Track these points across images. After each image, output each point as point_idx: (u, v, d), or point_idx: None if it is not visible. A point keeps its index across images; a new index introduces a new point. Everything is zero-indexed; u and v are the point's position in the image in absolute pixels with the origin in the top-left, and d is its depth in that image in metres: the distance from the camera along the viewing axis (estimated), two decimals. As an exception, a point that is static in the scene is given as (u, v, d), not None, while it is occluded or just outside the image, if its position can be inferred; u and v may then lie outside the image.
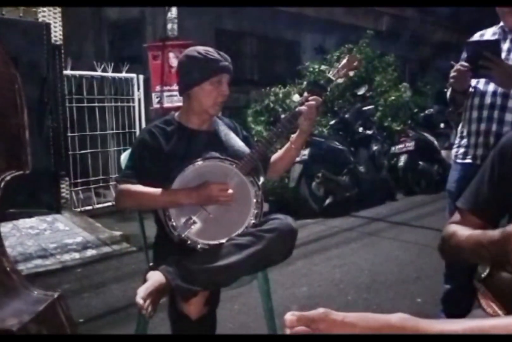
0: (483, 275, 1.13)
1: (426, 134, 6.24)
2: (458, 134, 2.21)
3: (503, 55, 2.02)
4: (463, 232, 1.22)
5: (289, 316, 0.84)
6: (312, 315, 0.84)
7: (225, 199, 1.74)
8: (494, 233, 1.07)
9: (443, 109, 6.55)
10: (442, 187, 5.67)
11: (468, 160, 2.13)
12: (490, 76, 1.93)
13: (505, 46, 2.05)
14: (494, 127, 2.03)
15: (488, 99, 2.04)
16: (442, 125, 6.62)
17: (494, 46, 1.92)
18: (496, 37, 2.10)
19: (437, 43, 10.07)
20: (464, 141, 2.15)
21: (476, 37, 2.21)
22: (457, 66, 2.07)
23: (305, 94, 1.95)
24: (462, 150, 2.16)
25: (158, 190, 1.74)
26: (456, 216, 1.33)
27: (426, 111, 6.77)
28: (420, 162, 6.06)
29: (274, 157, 2.00)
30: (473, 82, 2.10)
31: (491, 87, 2.03)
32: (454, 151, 2.22)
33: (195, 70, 1.81)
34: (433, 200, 5.42)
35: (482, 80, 2.07)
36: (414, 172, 6.00)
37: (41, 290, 1.09)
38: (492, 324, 0.78)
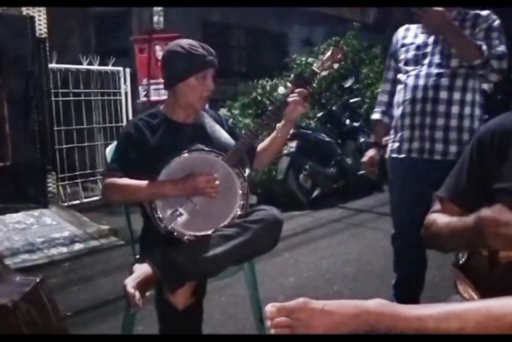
0: (461, 261, 1.15)
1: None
2: (392, 129, 2.22)
3: (429, 49, 2.08)
4: (442, 219, 1.24)
5: (270, 308, 0.87)
6: (292, 306, 0.86)
7: (211, 190, 1.74)
8: (469, 219, 1.09)
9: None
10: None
11: (403, 155, 2.14)
12: (422, 14, 1.98)
13: (429, 39, 2.10)
14: (428, 120, 2.06)
15: (420, 93, 2.06)
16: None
17: None
18: (421, 31, 2.15)
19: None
20: (399, 135, 2.16)
21: (402, 30, 2.24)
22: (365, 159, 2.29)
23: (290, 86, 1.97)
24: (396, 144, 2.17)
25: (143, 182, 1.75)
26: (437, 205, 1.35)
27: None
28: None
29: (260, 147, 2.01)
30: (403, 77, 2.14)
31: (422, 81, 2.06)
32: (389, 146, 2.23)
33: (179, 66, 1.80)
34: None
35: (412, 76, 2.10)
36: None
37: (23, 275, 1.17)
38: (464, 307, 0.81)
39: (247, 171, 1.89)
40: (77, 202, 4.96)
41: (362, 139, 5.69)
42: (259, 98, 5.71)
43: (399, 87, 2.17)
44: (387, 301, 0.85)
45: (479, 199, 1.29)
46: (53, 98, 4.77)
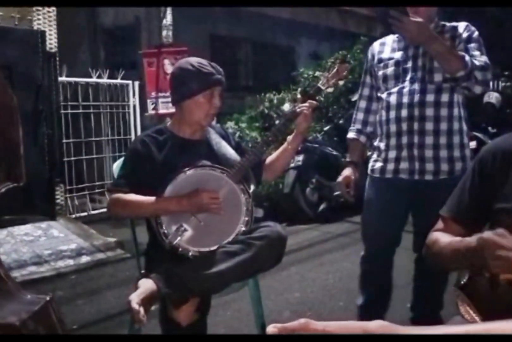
0: (462, 282, 1.15)
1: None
2: (375, 148, 2.13)
3: (409, 64, 1.99)
4: (444, 239, 1.25)
5: (271, 329, 0.87)
6: (293, 327, 0.86)
7: (215, 206, 1.76)
8: (471, 240, 1.10)
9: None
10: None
11: (389, 175, 2.05)
12: (402, 27, 1.85)
13: (409, 54, 2.02)
14: (416, 139, 1.97)
15: (405, 112, 1.97)
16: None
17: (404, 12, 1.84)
18: (398, 45, 2.06)
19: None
20: (383, 155, 2.07)
21: (376, 45, 2.17)
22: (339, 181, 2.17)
23: (295, 103, 2.00)
24: (380, 164, 2.08)
25: (149, 198, 1.76)
26: (440, 224, 1.36)
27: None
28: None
29: (270, 158, 2.03)
30: (383, 95, 2.05)
31: (406, 98, 1.97)
32: (370, 165, 2.14)
33: (188, 83, 1.83)
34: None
35: (394, 94, 2.01)
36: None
37: (33, 293, 1.18)
38: (465, 330, 0.81)
39: (252, 187, 1.90)
40: (85, 213, 4.99)
41: (369, 153, 5.68)
42: (266, 111, 5.74)
43: (380, 105, 2.09)
44: (388, 323, 0.86)
45: (481, 218, 1.30)
46: (62, 111, 4.83)
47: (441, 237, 1.27)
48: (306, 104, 1.91)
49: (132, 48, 6.19)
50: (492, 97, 6.81)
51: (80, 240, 4.13)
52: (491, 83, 7.69)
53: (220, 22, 7.28)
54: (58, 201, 4.73)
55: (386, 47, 2.11)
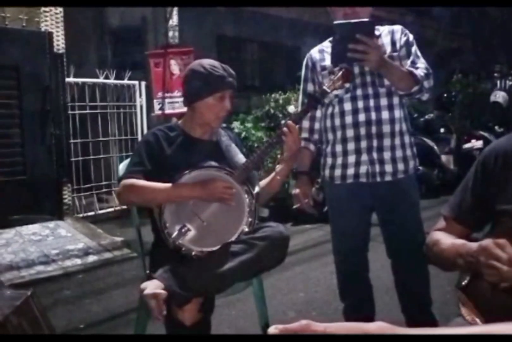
0: (463, 283, 1.16)
1: (426, 139, 6.27)
2: (329, 155, 2.09)
3: (356, 69, 1.98)
4: (445, 240, 1.26)
5: (272, 330, 0.89)
6: (294, 328, 0.88)
7: (227, 197, 1.78)
8: (472, 246, 1.11)
9: (443, 114, 6.59)
10: (442, 192, 5.64)
11: (350, 180, 2.04)
12: (361, 59, 1.80)
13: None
14: (375, 142, 1.98)
15: (362, 116, 1.97)
16: (442, 130, 6.66)
17: (367, 27, 1.81)
18: (329, 49, 2.01)
19: (435, 49, 10.11)
20: (340, 161, 2.05)
21: (315, 52, 2.15)
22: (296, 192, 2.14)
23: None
24: (338, 170, 2.06)
25: (162, 184, 1.78)
26: (441, 223, 1.37)
27: (426, 116, 6.80)
28: (420, 167, 6.06)
29: (260, 185, 2.00)
30: (334, 101, 2.02)
31: (361, 103, 1.98)
32: (327, 172, 2.10)
33: (199, 85, 1.86)
34: (433, 205, 5.41)
35: (348, 99, 1.99)
36: (415, 176, 6.02)
37: (14, 289, 1.24)
38: (466, 332, 0.82)
39: (257, 188, 1.92)
40: (92, 213, 5.03)
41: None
42: (272, 111, 5.74)
43: (328, 111, 2.07)
44: (388, 324, 0.87)
45: (483, 219, 1.30)
46: (70, 112, 4.88)
47: (443, 238, 1.28)
48: (288, 131, 1.85)
49: (138, 49, 6.23)
50: (499, 96, 6.79)
51: (87, 240, 4.17)
52: (498, 82, 7.68)
53: (226, 22, 7.29)
54: (65, 200, 4.77)
55: (326, 55, 2.09)
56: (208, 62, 1.90)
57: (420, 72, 1.94)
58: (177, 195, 1.78)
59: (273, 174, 2.00)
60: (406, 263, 2.13)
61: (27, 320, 1.16)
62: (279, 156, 3.76)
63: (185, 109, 2.01)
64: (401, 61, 1.99)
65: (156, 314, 1.60)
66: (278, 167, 1.98)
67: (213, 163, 1.87)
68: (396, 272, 2.21)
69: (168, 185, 1.78)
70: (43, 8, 4.53)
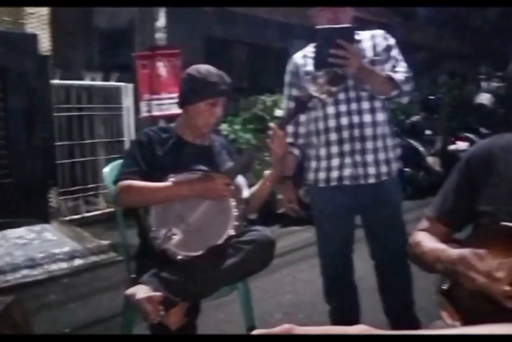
0: (444, 287, 1.17)
1: (412, 141, 6.31)
2: (313, 158, 2.11)
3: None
4: (427, 243, 1.27)
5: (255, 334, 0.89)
6: (277, 332, 0.89)
7: (227, 193, 1.79)
8: (452, 253, 1.12)
9: (429, 116, 6.63)
10: (429, 193, 5.66)
11: (334, 183, 2.06)
12: (341, 64, 1.82)
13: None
14: (358, 145, 2.01)
15: (345, 119, 2.00)
16: (428, 132, 6.70)
17: (348, 33, 1.83)
18: (312, 54, 2.00)
19: (424, 50, 10.19)
20: (324, 164, 2.06)
21: (298, 57, 2.15)
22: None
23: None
24: (323, 173, 2.08)
25: (160, 184, 1.78)
26: (424, 223, 1.38)
27: (412, 118, 6.84)
28: (406, 169, 6.12)
29: (249, 192, 2.01)
30: (319, 105, 2.03)
31: (344, 107, 2.00)
32: (311, 175, 2.12)
33: (192, 89, 1.87)
34: (419, 206, 5.46)
35: (331, 103, 2.00)
36: (401, 178, 6.05)
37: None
38: (446, 334, 0.83)
39: (245, 192, 1.92)
40: (79, 216, 4.99)
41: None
42: (260, 113, 5.75)
43: (312, 115, 2.09)
44: (369, 327, 0.88)
45: (466, 219, 1.32)
46: (56, 114, 4.83)
47: (425, 240, 1.28)
48: (274, 135, 1.84)
49: (126, 51, 6.20)
50: (484, 98, 6.85)
51: (74, 243, 4.13)
52: (482, 84, 7.75)
53: (214, 24, 7.29)
54: (51, 203, 4.73)
55: (309, 60, 2.08)
56: (204, 67, 1.91)
57: (399, 76, 1.97)
58: (175, 194, 1.78)
59: (262, 180, 2.00)
60: (389, 264, 2.15)
61: (8, 326, 1.15)
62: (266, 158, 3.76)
63: (172, 111, 2.02)
64: (382, 66, 2.01)
65: (154, 317, 1.60)
66: (267, 173, 1.98)
67: (202, 167, 1.88)
68: (379, 274, 2.24)
69: (166, 183, 1.78)
70: (28, 10, 4.49)
